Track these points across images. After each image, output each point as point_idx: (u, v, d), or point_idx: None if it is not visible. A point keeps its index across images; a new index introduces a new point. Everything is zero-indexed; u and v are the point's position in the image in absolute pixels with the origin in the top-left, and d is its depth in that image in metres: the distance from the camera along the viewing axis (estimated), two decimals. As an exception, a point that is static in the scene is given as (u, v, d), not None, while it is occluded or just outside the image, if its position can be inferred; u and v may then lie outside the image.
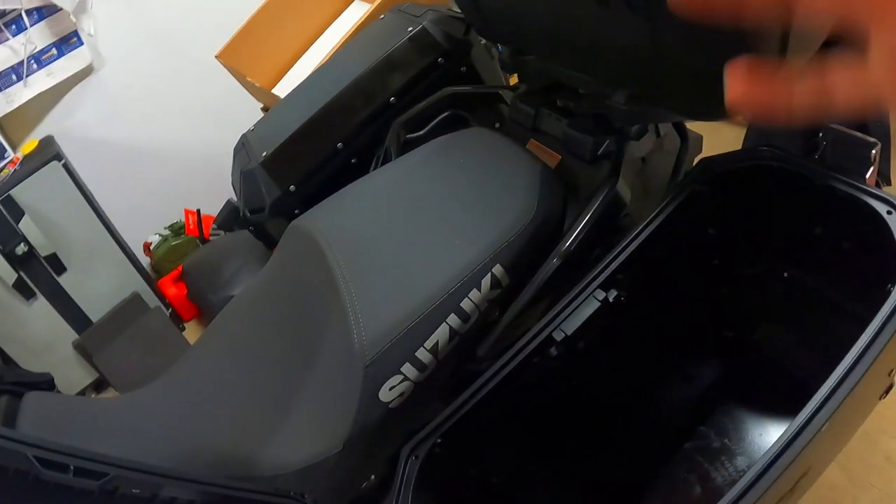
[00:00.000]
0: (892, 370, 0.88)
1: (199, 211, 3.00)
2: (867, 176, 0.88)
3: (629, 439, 1.09)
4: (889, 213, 0.80)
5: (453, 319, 0.95)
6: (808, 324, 1.07)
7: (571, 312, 0.86)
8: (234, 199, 2.54)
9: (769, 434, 1.07)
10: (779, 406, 1.08)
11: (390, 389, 0.92)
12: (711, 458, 1.08)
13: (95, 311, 2.70)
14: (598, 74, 1.04)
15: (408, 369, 0.93)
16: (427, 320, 0.93)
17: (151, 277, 2.91)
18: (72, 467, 0.67)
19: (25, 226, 2.44)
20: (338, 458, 0.93)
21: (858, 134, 0.91)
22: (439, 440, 0.86)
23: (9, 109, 2.68)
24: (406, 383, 0.93)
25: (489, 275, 0.96)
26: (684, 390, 1.14)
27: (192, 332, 2.90)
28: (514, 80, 1.37)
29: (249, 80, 2.22)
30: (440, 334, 0.94)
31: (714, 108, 0.92)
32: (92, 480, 0.69)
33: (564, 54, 1.08)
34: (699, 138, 1.27)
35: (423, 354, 0.93)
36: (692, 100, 0.93)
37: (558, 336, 0.86)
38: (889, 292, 0.75)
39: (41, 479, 0.65)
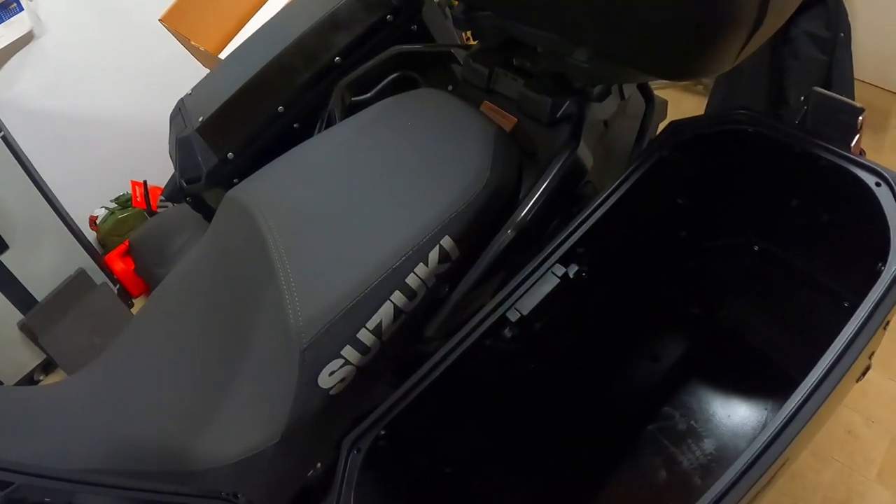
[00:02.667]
0: (872, 353, 0.83)
1: (145, 182, 2.91)
2: (852, 144, 0.82)
3: (591, 423, 1.04)
4: (878, 184, 0.74)
5: (398, 297, 0.87)
6: (780, 300, 1.02)
7: (527, 290, 0.79)
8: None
9: (737, 415, 1.03)
10: (747, 386, 1.04)
11: (330, 375, 0.85)
12: (677, 440, 1.04)
13: (40, 289, 2.59)
14: (558, 30, 0.96)
15: (349, 352, 0.85)
16: (369, 298, 0.86)
17: (98, 253, 2.80)
18: None
19: (-38, 203, 2.33)
20: (275, 450, 0.86)
21: (844, 98, 0.84)
22: (383, 431, 0.79)
23: (-56, 77, 2.55)
24: (347, 367, 0.86)
25: (437, 247, 0.88)
26: (648, 370, 1.09)
27: (141, 308, 2.80)
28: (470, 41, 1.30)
29: (194, 44, 2.12)
30: (384, 313, 0.86)
31: (683, 66, 0.85)
32: (-4, 490, 0.61)
33: (521, 8, 1.00)
34: (664, 103, 1.21)
35: (365, 336, 0.86)
36: (661, 56, 0.85)
37: (513, 316, 0.79)
38: (878, 272, 0.69)
39: None
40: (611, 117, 1.07)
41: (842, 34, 2.34)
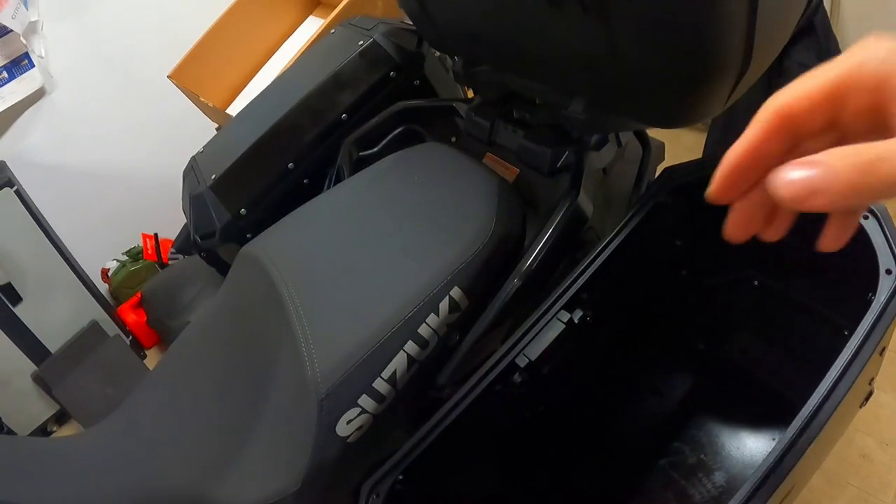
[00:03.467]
0: (872, 378, 0.85)
1: (156, 235, 2.94)
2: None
3: (602, 459, 1.06)
4: (866, 217, 0.77)
5: (411, 346, 0.90)
6: (782, 332, 1.04)
7: (534, 337, 0.82)
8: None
9: (746, 447, 1.05)
10: (754, 417, 1.06)
11: (348, 423, 0.87)
12: (687, 474, 1.05)
13: (54, 341, 2.62)
14: (554, 82, 1.00)
15: (365, 401, 0.88)
16: (383, 349, 0.89)
17: (110, 304, 2.85)
18: None
19: (-23, 256, 2.37)
20: (295, 498, 0.88)
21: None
22: (400, 476, 0.81)
23: (-41, 135, 2.60)
24: (364, 416, 0.88)
25: (447, 298, 0.92)
26: (656, 406, 1.11)
27: (153, 360, 2.84)
28: (471, 92, 1.34)
29: (203, 99, 2.17)
30: (398, 363, 0.89)
31: (674, 114, 0.88)
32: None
33: (518, 63, 1.05)
34: (661, 145, 1.24)
35: (380, 385, 0.89)
36: (652, 105, 0.89)
37: (521, 362, 0.82)
38: (870, 301, 0.72)
39: None
40: (609, 164, 1.11)
41: (832, 65, 2.38)
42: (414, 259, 0.97)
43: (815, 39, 2.31)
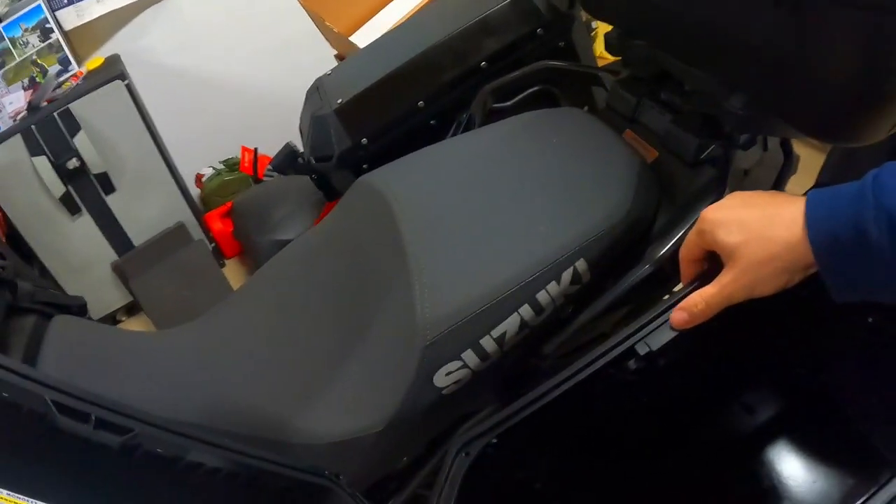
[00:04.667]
0: None
1: (256, 150, 2.95)
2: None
3: (680, 463, 1.03)
4: None
5: (526, 310, 0.88)
6: (885, 377, 1.00)
7: (659, 326, 0.79)
8: (293, 143, 2.50)
9: (821, 481, 1.02)
10: (835, 456, 1.02)
11: (447, 375, 0.86)
12: (758, 494, 1.02)
13: (139, 235, 2.69)
14: (717, 72, 0.96)
15: (469, 356, 0.86)
16: (499, 307, 0.87)
17: (199, 210, 2.90)
18: (93, 417, 0.61)
19: (80, 141, 2.43)
20: (377, 438, 0.87)
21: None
22: (494, 440, 0.80)
23: (79, 23, 2.64)
24: (464, 370, 0.87)
25: (572, 268, 0.89)
26: (745, 423, 1.08)
27: (231, 270, 2.88)
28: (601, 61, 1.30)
29: (328, 24, 2.15)
30: (510, 324, 0.87)
31: (839, 130, 0.84)
32: (114, 435, 0.62)
33: (681, 44, 1.00)
34: (797, 158, 1.20)
35: (488, 343, 0.87)
36: (818, 116, 0.84)
37: (642, 350, 0.79)
38: None
39: (56, 426, 0.59)
40: (751, 166, 1.07)
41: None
42: (543, 222, 0.94)
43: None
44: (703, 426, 1.06)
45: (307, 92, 1.47)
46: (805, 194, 0.65)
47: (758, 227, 0.67)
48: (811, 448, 1.03)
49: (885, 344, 0.96)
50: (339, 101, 1.32)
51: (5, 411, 0.59)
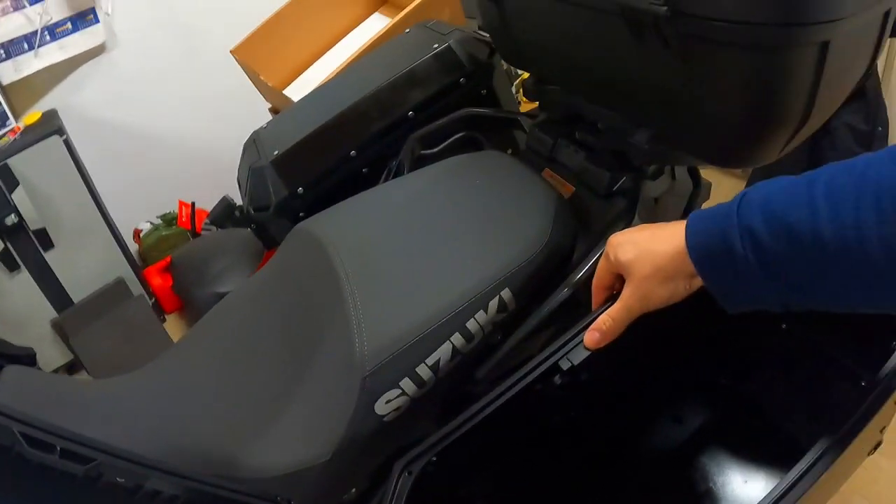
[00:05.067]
0: (884, 427, 0.88)
1: (193, 204, 2.97)
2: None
3: (615, 475, 1.08)
4: None
5: (457, 338, 0.94)
6: (802, 377, 1.07)
7: (580, 342, 0.85)
8: (230, 196, 2.53)
9: (753, 482, 1.07)
10: (765, 455, 1.08)
11: (387, 403, 0.92)
12: (694, 501, 1.07)
13: (78, 291, 2.67)
14: (622, 111, 1.05)
15: (406, 384, 0.92)
16: (431, 337, 0.93)
17: (138, 265, 2.88)
18: (58, 448, 0.65)
19: (18, 197, 2.41)
20: (324, 467, 0.92)
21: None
22: (434, 458, 0.85)
23: (16, 77, 2.65)
24: (403, 398, 0.92)
25: (497, 298, 0.96)
26: (674, 431, 1.13)
27: (172, 325, 2.87)
28: (525, 105, 1.37)
29: (262, 78, 2.22)
30: (443, 352, 0.93)
31: (735, 156, 0.93)
32: (78, 465, 0.66)
33: (590, 88, 1.09)
34: (709, 185, 1.27)
35: (423, 371, 0.93)
36: (715, 145, 0.93)
37: (565, 365, 0.85)
38: (893, 350, 0.76)
39: (23, 457, 0.63)
40: (661, 194, 1.15)
41: (879, 128, 2.39)
42: (470, 257, 1.01)
43: (865, 103, 2.33)
44: (636, 437, 1.11)
45: (244, 144, 1.52)
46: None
47: (645, 243, 0.74)
48: (742, 453, 1.09)
49: (799, 346, 1.04)
50: (276, 152, 1.37)
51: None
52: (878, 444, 0.89)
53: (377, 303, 0.98)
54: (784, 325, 1.05)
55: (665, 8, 0.78)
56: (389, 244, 1.08)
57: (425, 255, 1.04)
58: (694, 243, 0.68)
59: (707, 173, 1.23)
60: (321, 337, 1.00)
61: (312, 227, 1.14)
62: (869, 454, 0.91)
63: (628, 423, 1.11)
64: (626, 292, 0.76)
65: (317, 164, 1.38)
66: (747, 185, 1.62)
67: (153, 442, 1.02)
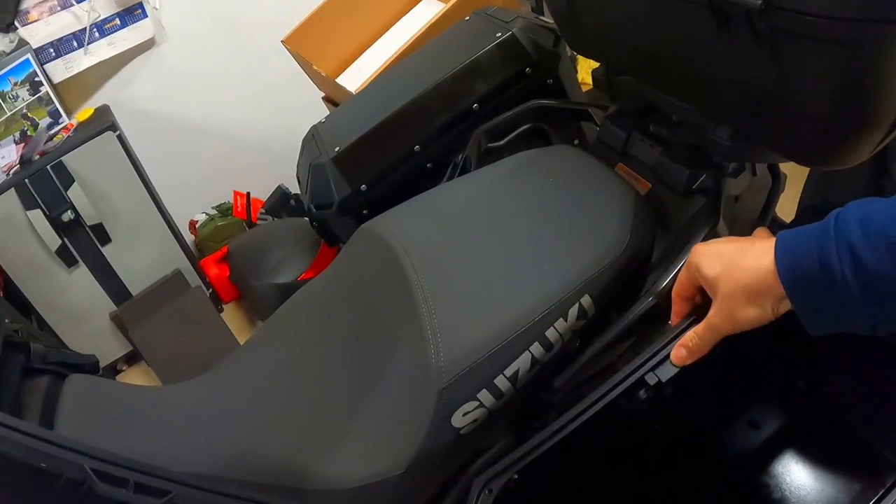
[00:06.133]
0: None
1: (248, 194, 2.99)
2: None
3: (695, 484, 1.05)
4: None
5: (536, 348, 0.90)
6: (883, 383, 1.03)
7: (665, 357, 0.82)
8: (284, 185, 2.53)
9: (829, 490, 1.04)
10: (840, 463, 1.04)
11: (464, 415, 0.88)
12: None
13: (136, 284, 2.71)
14: (703, 105, 1.00)
15: (484, 396, 0.89)
16: (510, 346, 0.89)
17: (195, 256, 2.91)
18: (132, 482, 0.64)
19: (74, 193, 2.45)
20: (399, 480, 0.89)
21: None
22: (515, 476, 0.82)
23: (68, 75, 2.68)
24: (481, 410, 0.89)
25: (577, 304, 0.92)
26: (751, 438, 1.10)
27: (230, 315, 2.89)
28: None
29: (315, 67, 2.19)
30: (521, 362, 0.90)
31: (823, 156, 0.88)
32: (153, 498, 0.65)
33: (667, 80, 1.04)
34: (784, 177, 1.23)
35: (501, 382, 0.89)
36: (803, 144, 0.88)
37: (651, 380, 0.82)
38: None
39: (95, 493, 0.62)
40: (741, 192, 1.10)
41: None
42: (547, 261, 0.97)
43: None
44: (713, 446, 1.08)
45: (303, 140, 1.50)
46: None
47: (732, 258, 0.70)
48: (817, 458, 1.05)
49: (879, 351, 0.99)
50: (337, 149, 1.35)
51: (44, 480, 0.61)
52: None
53: (452, 311, 0.94)
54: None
55: (759, 1, 0.73)
56: (460, 247, 1.05)
57: (499, 259, 1.01)
58: (785, 262, 0.65)
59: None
60: (394, 346, 0.98)
61: (380, 229, 1.10)
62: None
63: (706, 429, 1.08)
64: (713, 311, 0.74)
65: (380, 161, 1.35)
66: (806, 183, 1.55)
67: (220, 455, 1.01)
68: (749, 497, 1.04)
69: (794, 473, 1.06)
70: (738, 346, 1.04)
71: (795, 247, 0.64)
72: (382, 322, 1.02)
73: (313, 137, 1.47)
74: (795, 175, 1.30)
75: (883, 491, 0.76)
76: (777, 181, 1.16)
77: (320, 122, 1.51)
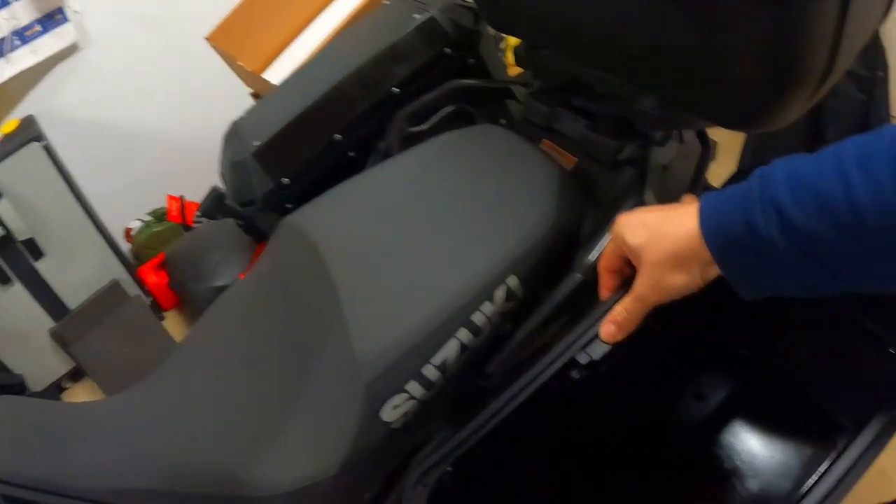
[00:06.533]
0: None
1: (182, 197, 2.93)
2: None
3: (640, 460, 1.04)
4: None
5: (464, 334, 0.87)
6: (827, 346, 1.02)
7: (597, 335, 0.79)
8: (219, 186, 2.47)
9: (780, 456, 1.03)
10: (791, 428, 1.04)
11: (394, 408, 0.85)
12: (722, 479, 1.03)
13: (73, 298, 2.62)
14: (627, 75, 0.97)
15: (413, 387, 0.86)
16: (436, 334, 0.86)
17: (132, 265, 2.83)
18: None
19: (2, 208, 2.35)
20: (334, 481, 0.86)
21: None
22: (449, 468, 0.79)
23: (-11, 87, 2.58)
24: (411, 402, 0.86)
25: (504, 286, 0.89)
26: (698, 409, 1.09)
27: (171, 322, 2.83)
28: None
29: (240, 63, 2.14)
30: (449, 349, 0.87)
31: (754, 117, 0.86)
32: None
33: (589, 52, 1.01)
34: (716, 144, 1.22)
35: (429, 371, 0.86)
36: (732, 107, 0.87)
37: (583, 359, 0.79)
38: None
39: None
40: (669, 161, 1.08)
41: (880, 73, 2.35)
42: (471, 243, 0.94)
43: (864, 48, 2.27)
44: (660, 421, 1.07)
45: (224, 136, 1.45)
46: None
47: (656, 225, 0.68)
48: (767, 426, 1.05)
49: (823, 315, 0.98)
50: (257, 143, 1.30)
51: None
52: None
53: (375, 301, 0.91)
54: (805, 294, 1.00)
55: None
56: (383, 235, 1.01)
57: (422, 245, 0.98)
58: (709, 224, 0.62)
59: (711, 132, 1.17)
60: (319, 342, 0.94)
61: (300, 221, 1.07)
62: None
63: (649, 403, 1.07)
64: (638, 281, 0.71)
65: (301, 152, 1.31)
66: (744, 147, 1.55)
67: (155, 467, 0.97)
68: (700, 470, 1.04)
69: (745, 442, 1.05)
70: (678, 320, 1.03)
71: (720, 209, 0.62)
72: (307, 318, 0.98)
73: (234, 133, 1.42)
74: (731, 143, 1.29)
75: (836, 454, 0.74)
76: (707, 148, 1.15)
77: (241, 116, 1.46)
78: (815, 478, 0.77)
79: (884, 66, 2.24)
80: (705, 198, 0.64)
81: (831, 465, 0.76)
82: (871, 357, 0.89)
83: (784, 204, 0.55)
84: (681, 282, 0.67)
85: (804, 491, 0.79)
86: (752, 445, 1.04)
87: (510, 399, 0.79)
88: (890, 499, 1.56)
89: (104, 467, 0.97)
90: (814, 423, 1.01)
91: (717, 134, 1.19)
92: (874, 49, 2.11)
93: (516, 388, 0.79)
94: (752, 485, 1.02)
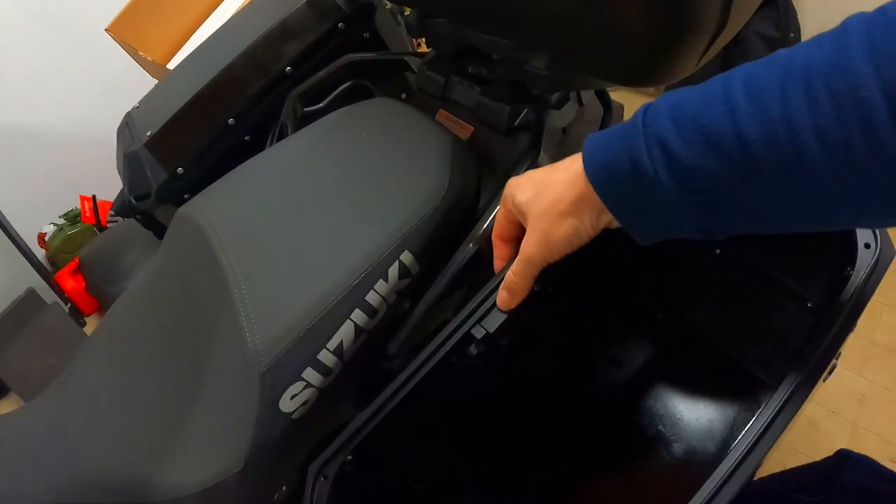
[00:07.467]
0: (839, 353, 0.82)
1: (94, 197, 2.85)
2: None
3: (559, 432, 1.02)
4: None
5: (358, 315, 0.84)
6: (744, 303, 1.02)
7: (492, 307, 0.76)
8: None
9: (704, 418, 1.03)
10: (712, 388, 1.03)
11: (292, 398, 0.82)
12: (646, 445, 1.02)
13: (-12, 310, 2.52)
14: (514, 36, 0.94)
15: (310, 374, 0.82)
16: (329, 318, 0.83)
17: (48, 271, 2.75)
18: None
19: None
20: (238, 478, 0.82)
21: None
22: (350, 457, 0.76)
23: None
24: (309, 390, 0.83)
25: (397, 263, 0.86)
26: (615, 376, 1.08)
27: (93, 328, 2.73)
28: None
29: (141, 54, 2.07)
30: (344, 333, 0.84)
31: (645, 73, 0.84)
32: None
33: (478, 17, 0.98)
34: (620, 107, 1.20)
35: (326, 357, 0.83)
36: (622, 63, 0.84)
37: (478, 333, 0.76)
38: (847, 276, 0.68)
39: None
40: (569, 124, 1.06)
41: (791, 34, 2.38)
42: (362, 221, 0.91)
43: (775, 9, 2.30)
44: (575, 389, 1.05)
45: (118, 129, 1.40)
46: None
47: (543, 177, 0.65)
48: (688, 387, 1.04)
49: (737, 272, 0.97)
50: (149, 133, 1.25)
51: None
52: (833, 368, 0.83)
53: (267, 289, 0.87)
54: (718, 251, 0.99)
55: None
56: (274, 219, 0.97)
57: (314, 227, 0.94)
58: (593, 164, 0.58)
59: (620, 95, 1.15)
60: (214, 335, 0.90)
61: (191, 212, 1.02)
62: (824, 380, 0.85)
63: (563, 375, 1.05)
64: (525, 238, 0.67)
65: (194, 140, 1.26)
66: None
67: (56, 481, 0.93)
68: (622, 438, 1.02)
69: (667, 406, 1.04)
70: (587, 287, 1.01)
71: (603, 147, 0.57)
72: (201, 311, 0.94)
73: (127, 125, 1.37)
74: (637, 104, 1.28)
75: (759, 410, 0.72)
76: (608, 110, 1.13)
77: (134, 107, 1.41)
78: (739, 437, 0.75)
79: (796, 28, 2.27)
80: (589, 137, 0.60)
81: (754, 422, 0.74)
82: (791, 312, 0.87)
83: (668, 138, 0.52)
84: (568, 230, 0.63)
85: (729, 451, 0.78)
86: (674, 409, 1.03)
87: (405, 381, 0.76)
88: (822, 447, 1.59)
89: (8, 484, 0.94)
90: (736, 383, 1.01)
91: (624, 98, 1.18)
92: (785, 11, 2.13)
93: (411, 368, 0.76)
94: (678, 449, 1.01)
